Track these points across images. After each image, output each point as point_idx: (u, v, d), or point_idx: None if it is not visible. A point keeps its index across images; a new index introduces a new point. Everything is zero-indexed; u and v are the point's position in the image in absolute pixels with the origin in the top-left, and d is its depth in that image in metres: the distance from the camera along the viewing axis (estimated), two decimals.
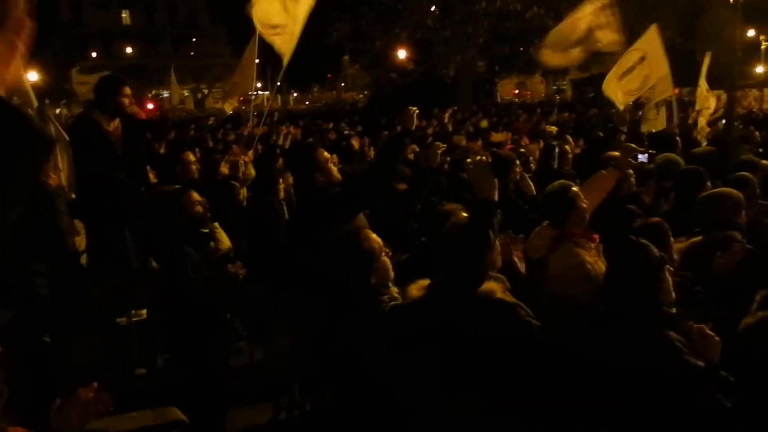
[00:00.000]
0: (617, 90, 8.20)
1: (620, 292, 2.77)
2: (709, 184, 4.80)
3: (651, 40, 8.20)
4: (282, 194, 5.88)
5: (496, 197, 2.71)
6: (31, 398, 2.56)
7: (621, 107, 8.14)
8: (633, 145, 4.88)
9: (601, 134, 8.85)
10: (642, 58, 8.07)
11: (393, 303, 2.72)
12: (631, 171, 5.04)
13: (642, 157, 5.10)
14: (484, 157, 2.87)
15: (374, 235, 2.90)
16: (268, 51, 7.75)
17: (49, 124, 5.88)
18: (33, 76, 32.37)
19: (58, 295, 4.89)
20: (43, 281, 4.79)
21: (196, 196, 4.34)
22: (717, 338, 2.64)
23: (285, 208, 5.76)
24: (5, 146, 0.80)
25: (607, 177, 4.44)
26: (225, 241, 5.04)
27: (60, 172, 5.47)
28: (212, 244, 4.66)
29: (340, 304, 2.84)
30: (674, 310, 2.86)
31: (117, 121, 5.28)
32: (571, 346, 2.81)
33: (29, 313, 4.26)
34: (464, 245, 2.65)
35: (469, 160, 2.88)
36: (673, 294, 2.84)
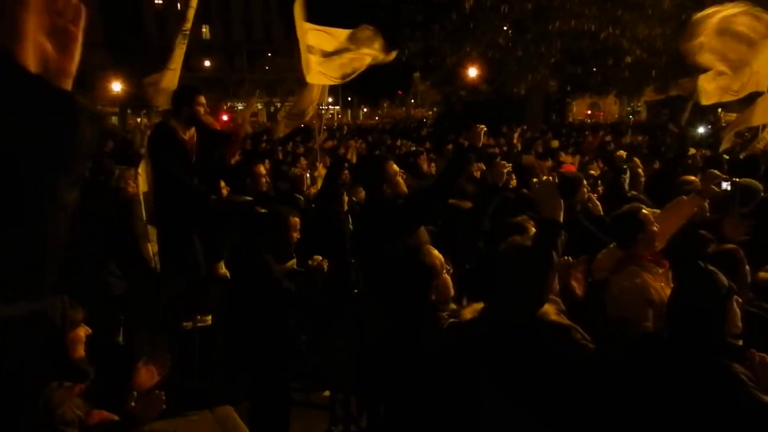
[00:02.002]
0: (712, 83, 8.32)
1: (683, 319, 2.67)
2: None
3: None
4: (345, 207, 5.95)
5: (561, 218, 2.67)
6: (107, 389, 2.74)
7: (704, 102, 8.36)
8: (716, 172, 4.72)
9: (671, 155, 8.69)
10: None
11: (452, 320, 2.70)
12: None
13: (725, 184, 4.92)
14: (550, 177, 2.83)
15: (436, 252, 2.89)
16: None
17: (136, 134, 6.15)
18: (117, 86, 33.97)
19: (130, 296, 5.09)
20: (117, 282, 4.99)
21: (297, 221, 4.42)
22: None
23: (350, 219, 5.83)
24: (53, 128, 0.81)
25: (688, 203, 4.32)
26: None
27: (141, 179, 5.71)
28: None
29: (399, 318, 2.83)
30: (741, 342, 2.74)
31: (192, 131, 5.47)
32: (628, 372, 2.72)
33: (103, 312, 4.44)
34: (527, 265, 2.61)
35: (535, 180, 2.85)
36: (740, 325, 2.72)
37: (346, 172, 7.00)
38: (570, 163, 9.76)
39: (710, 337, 2.57)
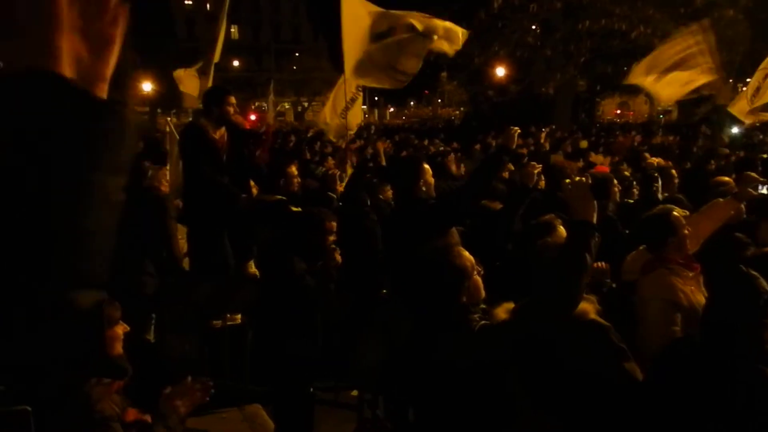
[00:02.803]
0: (746, 106, 8.87)
1: (720, 324, 2.62)
2: None
3: None
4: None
5: (595, 219, 2.64)
6: (141, 387, 2.78)
7: (747, 121, 9.29)
8: (754, 175, 4.64)
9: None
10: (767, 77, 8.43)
11: (483, 323, 2.68)
12: None
13: (762, 188, 4.82)
14: (583, 179, 2.79)
15: (466, 253, 2.87)
16: None
17: (168, 133, 6.24)
18: (147, 86, 34.45)
19: (161, 294, 5.16)
20: (150, 281, 5.06)
21: (334, 225, 4.43)
22: None
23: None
24: (90, 135, 0.82)
25: (724, 206, 4.25)
26: None
27: (171, 177, 5.79)
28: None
29: (429, 320, 2.82)
30: None
31: (223, 130, 5.52)
32: (662, 378, 2.68)
33: (137, 310, 4.49)
34: (560, 268, 2.59)
35: (567, 180, 2.82)
36: None
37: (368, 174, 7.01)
38: (601, 164, 9.66)
39: (748, 343, 2.52)
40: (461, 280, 2.76)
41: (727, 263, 2.92)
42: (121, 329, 2.47)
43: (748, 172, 4.68)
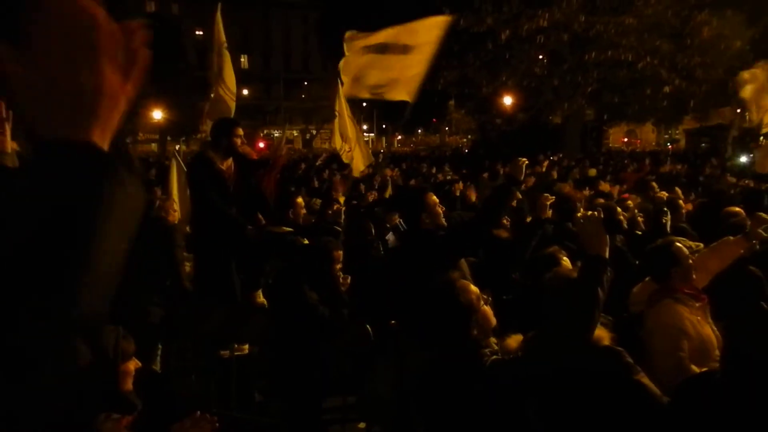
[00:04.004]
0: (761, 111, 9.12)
1: (739, 360, 2.57)
2: None
3: None
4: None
5: (607, 254, 2.62)
6: (147, 419, 2.74)
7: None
8: (765, 216, 4.62)
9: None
10: None
11: (494, 357, 2.64)
12: None
13: None
14: (595, 213, 2.78)
15: (471, 286, 2.84)
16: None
17: (173, 161, 6.26)
18: (157, 114, 34.81)
19: (168, 324, 5.13)
20: (157, 311, 5.04)
21: (341, 253, 4.49)
22: None
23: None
24: (100, 195, 0.82)
25: (734, 244, 4.24)
26: None
27: (178, 206, 5.79)
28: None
29: (440, 355, 2.79)
30: None
31: (230, 161, 5.53)
32: (680, 413, 2.64)
33: (143, 341, 4.46)
34: (573, 303, 2.56)
35: (579, 214, 2.80)
36: None
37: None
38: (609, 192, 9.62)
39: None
40: (468, 316, 2.73)
41: (745, 299, 2.89)
42: (133, 365, 2.45)
43: (760, 213, 4.63)
